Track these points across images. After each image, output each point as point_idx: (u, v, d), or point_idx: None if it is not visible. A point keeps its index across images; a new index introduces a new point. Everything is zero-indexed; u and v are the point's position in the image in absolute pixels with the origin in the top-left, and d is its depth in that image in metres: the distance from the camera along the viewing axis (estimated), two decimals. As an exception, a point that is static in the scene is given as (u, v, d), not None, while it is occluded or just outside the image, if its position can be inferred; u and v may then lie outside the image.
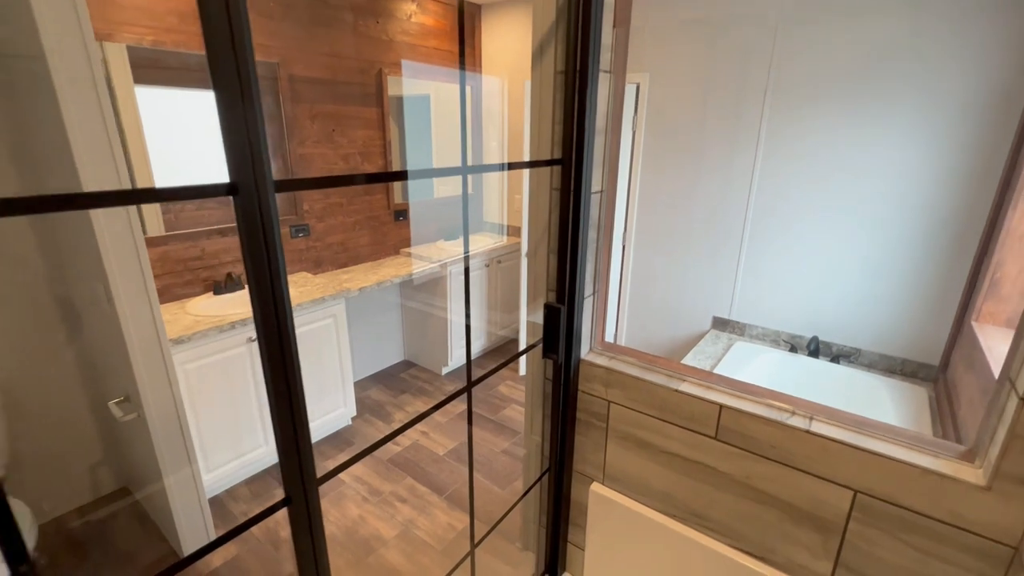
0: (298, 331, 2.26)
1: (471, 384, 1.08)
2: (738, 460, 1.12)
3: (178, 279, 2.24)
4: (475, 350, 3.44)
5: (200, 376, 1.97)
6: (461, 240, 3.53)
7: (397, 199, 3.16)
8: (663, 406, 1.21)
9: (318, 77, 2.57)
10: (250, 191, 0.55)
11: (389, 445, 2.55)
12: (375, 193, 3.03)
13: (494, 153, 3.57)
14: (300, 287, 2.45)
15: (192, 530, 1.86)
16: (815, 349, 2.47)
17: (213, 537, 1.90)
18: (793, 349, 2.57)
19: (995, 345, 1.71)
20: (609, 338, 3.23)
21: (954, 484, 0.88)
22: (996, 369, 1.52)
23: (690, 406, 1.16)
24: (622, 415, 1.29)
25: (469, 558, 1.24)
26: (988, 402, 0.90)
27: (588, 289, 1.30)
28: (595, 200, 1.23)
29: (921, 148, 2.06)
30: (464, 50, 1.24)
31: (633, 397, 1.26)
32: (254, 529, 2.03)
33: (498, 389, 3.12)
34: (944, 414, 1.94)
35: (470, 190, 3.67)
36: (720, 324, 2.83)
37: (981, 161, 1.95)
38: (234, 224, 2.39)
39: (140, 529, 1.99)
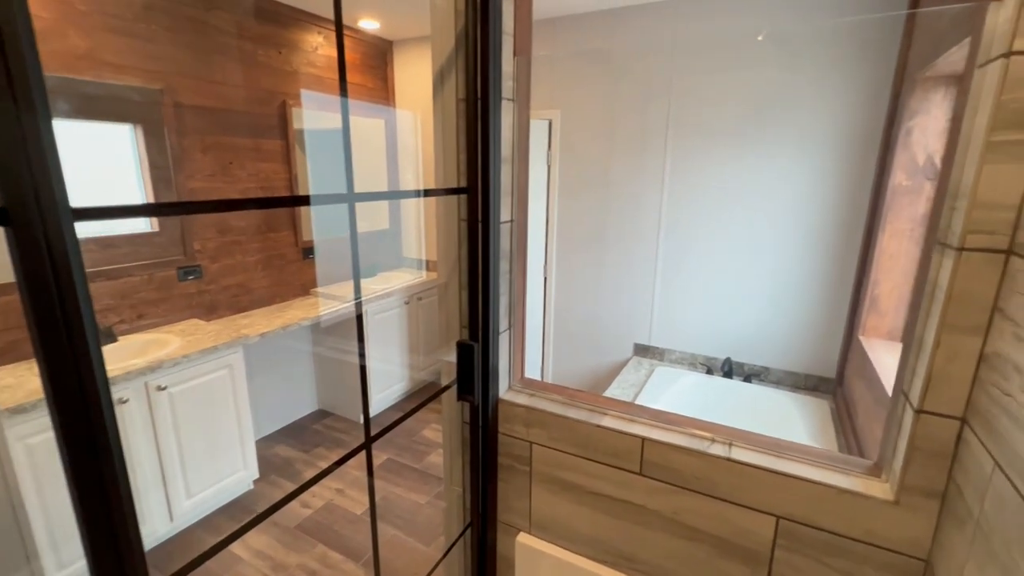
0: (184, 386, 1.99)
1: (370, 440, 0.95)
2: (664, 495, 1.07)
3: (27, 334, 1.88)
4: (396, 393, 3.24)
5: (50, 451, 1.63)
6: (378, 277, 3.37)
7: (306, 236, 2.96)
8: (586, 443, 1.14)
9: (211, 106, 2.37)
10: (32, 220, 0.42)
11: (296, 507, 2.27)
12: (280, 230, 2.82)
13: (410, 187, 3.49)
14: (188, 336, 2.17)
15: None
16: (729, 370, 2.57)
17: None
18: (709, 371, 2.66)
19: (880, 356, 1.85)
20: (536, 373, 3.18)
21: (866, 502, 0.88)
22: (885, 379, 1.63)
23: (613, 441, 1.11)
24: (545, 456, 1.21)
25: (380, 643, 1.07)
26: (887, 416, 0.93)
27: (503, 324, 1.23)
28: (505, 230, 1.18)
29: (802, 179, 2.27)
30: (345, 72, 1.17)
31: (555, 436, 1.18)
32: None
33: (422, 434, 2.93)
34: (845, 425, 2.07)
35: (387, 224, 3.54)
36: (641, 351, 2.89)
37: (852, 189, 2.17)
38: (107, 267, 2.09)
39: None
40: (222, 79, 2.40)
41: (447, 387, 1.20)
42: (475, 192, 1.10)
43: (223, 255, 2.53)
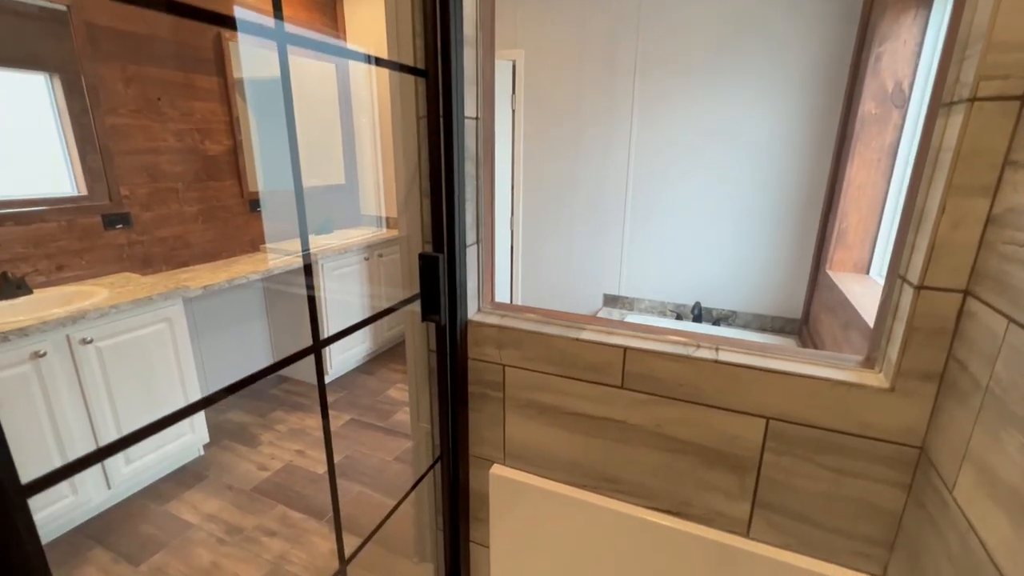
0: (115, 340, 1.79)
1: (319, 344, 0.83)
2: (647, 408, 1.00)
3: (-81, 284, 1.63)
4: (360, 354, 3.09)
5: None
6: (335, 234, 3.18)
7: (252, 186, 2.73)
8: (563, 360, 1.06)
9: (132, 31, 2.09)
10: None
11: (252, 471, 2.12)
12: (223, 179, 2.58)
13: (366, 138, 3.28)
14: (119, 288, 1.95)
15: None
16: (698, 315, 2.56)
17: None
18: (679, 317, 2.65)
19: (849, 286, 1.85)
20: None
21: (860, 392, 0.83)
22: (856, 303, 1.62)
23: (593, 355, 1.03)
24: (520, 379, 1.12)
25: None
26: (879, 306, 0.88)
27: (470, 236, 1.12)
28: (470, 127, 1.06)
29: (769, 115, 2.23)
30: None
31: (530, 356, 1.09)
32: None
33: (387, 394, 2.81)
34: (812, 358, 2.08)
35: (342, 179, 3.32)
36: (611, 301, 2.84)
37: (819, 122, 2.15)
38: (12, 211, 1.83)
39: None
40: None
41: (404, 302, 1.08)
42: (434, 77, 0.97)
43: (156, 203, 2.28)
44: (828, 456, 0.88)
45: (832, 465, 0.88)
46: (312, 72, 3.05)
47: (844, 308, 1.71)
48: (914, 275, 0.77)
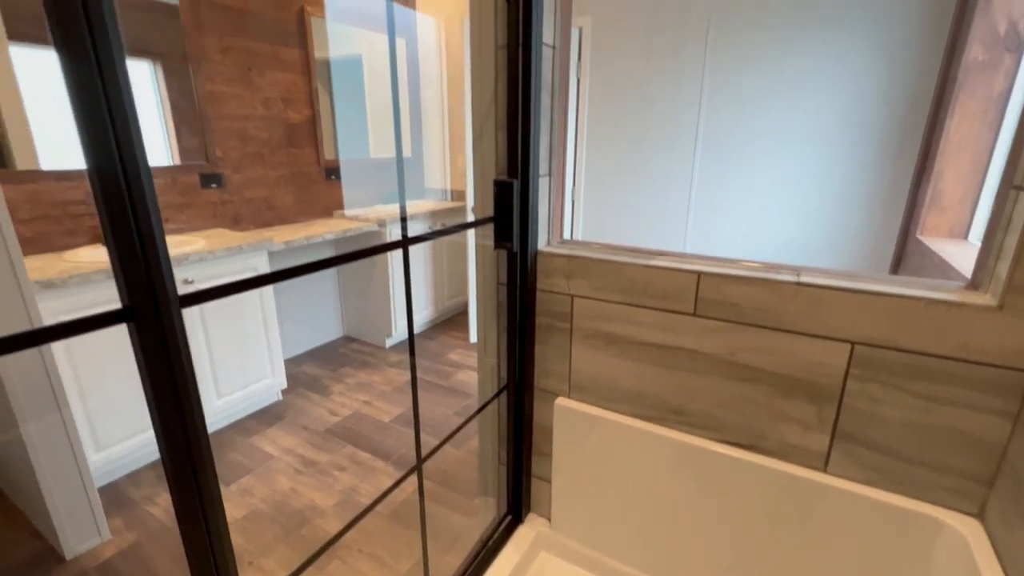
0: (210, 283, 1.96)
1: (407, 241, 0.88)
2: (720, 335, 0.99)
3: (57, 226, 1.88)
4: (421, 320, 3.21)
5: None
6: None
7: (328, 155, 2.89)
8: (632, 288, 1.06)
9: (228, 3, 2.27)
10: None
11: (325, 415, 2.27)
12: (303, 146, 2.75)
13: (434, 112, 3.37)
14: (213, 239, 2.13)
15: (75, 522, 1.52)
16: (768, 286, 2.45)
17: (105, 529, 1.57)
18: (747, 288, 2.54)
19: (944, 248, 1.71)
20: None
21: (961, 311, 0.78)
22: (955, 264, 1.50)
23: (664, 281, 1.02)
24: (587, 309, 1.14)
25: (416, 474, 1.03)
26: (987, 225, 0.82)
27: (543, 167, 1.14)
28: (547, 56, 1.08)
29: (858, 67, 2.08)
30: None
31: (598, 285, 1.10)
32: (159, 513, 1.71)
33: (448, 356, 2.90)
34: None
35: (410, 153, 3.44)
36: (673, 272, 2.77)
37: (914, 74, 1.99)
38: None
39: (5, 523, 1.61)
40: (238, -24, 2.30)
41: (481, 221, 1.12)
42: (516, 5, 0.99)
43: (246, 166, 2.47)
44: (920, 383, 0.83)
45: (924, 392, 0.83)
46: (383, 48, 3.17)
47: (939, 269, 1.59)
48: (1033, 180, 0.71)
